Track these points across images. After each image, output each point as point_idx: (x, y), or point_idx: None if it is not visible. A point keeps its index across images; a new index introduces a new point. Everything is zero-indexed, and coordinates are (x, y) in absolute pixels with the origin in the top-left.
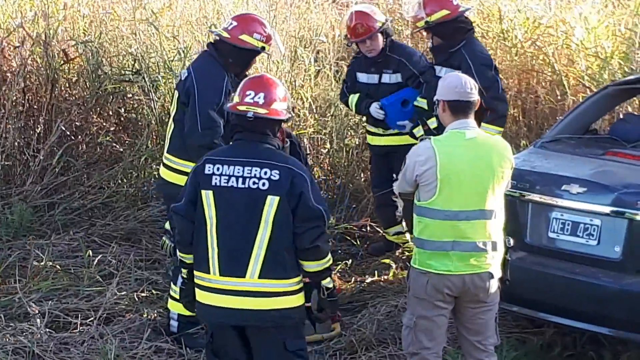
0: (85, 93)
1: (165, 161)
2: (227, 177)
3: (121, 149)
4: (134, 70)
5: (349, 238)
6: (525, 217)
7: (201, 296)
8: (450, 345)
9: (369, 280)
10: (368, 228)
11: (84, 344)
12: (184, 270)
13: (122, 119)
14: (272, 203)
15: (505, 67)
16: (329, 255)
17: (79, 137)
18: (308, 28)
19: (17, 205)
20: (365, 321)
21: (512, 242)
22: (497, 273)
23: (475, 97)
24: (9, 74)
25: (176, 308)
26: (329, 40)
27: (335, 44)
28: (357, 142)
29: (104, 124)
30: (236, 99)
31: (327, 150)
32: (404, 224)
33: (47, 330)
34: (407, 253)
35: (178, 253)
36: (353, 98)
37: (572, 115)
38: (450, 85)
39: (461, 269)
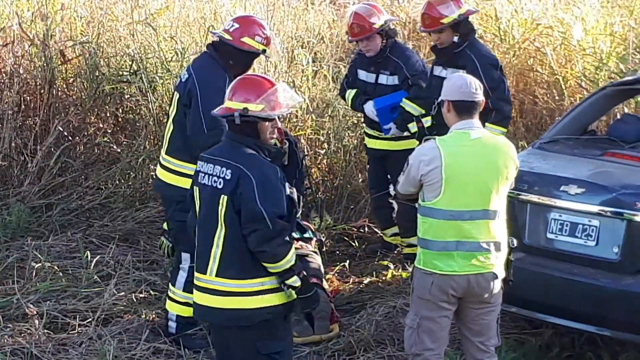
0: (82, 94)
1: (163, 162)
2: (203, 175)
3: (119, 150)
4: (131, 71)
5: (347, 239)
6: (523, 217)
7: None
8: (449, 345)
9: (367, 281)
10: (366, 229)
11: (82, 344)
12: None
13: (119, 119)
14: (223, 202)
15: (503, 68)
16: (287, 257)
17: (77, 137)
18: (305, 29)
19: (15, 206)
20: (364, 322)
21: (515, 242)
22: (501, 273)
23: (480, 97)
24: (4, 74)
25: (174, 309)
26: (326, 41)
27: (333, 44)
28: (355, 143)
29: (102, 124)
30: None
31: (324, 151)
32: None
33: (46, 331)
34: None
35: None
36: (350, 93)
37: (570, 116)
38: (455, 85)
39: (465, 269)
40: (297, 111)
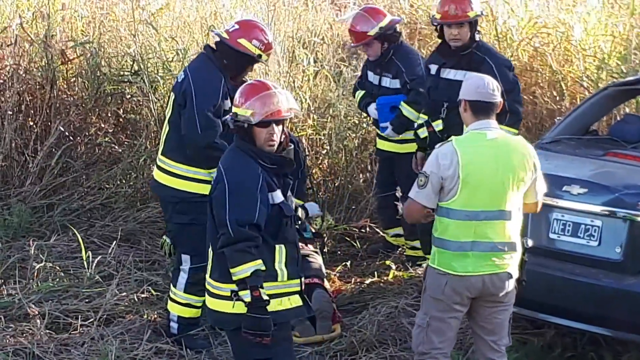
0: (83, 94)
1: (159, 163)
2: None
3: (120, 150)
4: (132, 71)
5: (348, 239)
6: (525, 218)
7: None
8: None
9: (368, 281)
10: (367, 229)
11: (84, 345)
12: None
13: (120, 119)
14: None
15: None
16: (241, 267)
17: (78, 138)
18: (306, 29)
19: (16, 206)
20: (366, 322)
21: (530, 243)
22: (515, 273)
23: (498, 98)
24: (5, 74)
25: (175, 310)
26: (327, 41)
27: (333, 44)
28: (356, 143)
29: (103, 124)
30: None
31: (326, 151)
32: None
33: (47, 331)
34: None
35: None
36: (359, 94)
37: (572, 116)
38: (473, 85)
39: (480, 270)
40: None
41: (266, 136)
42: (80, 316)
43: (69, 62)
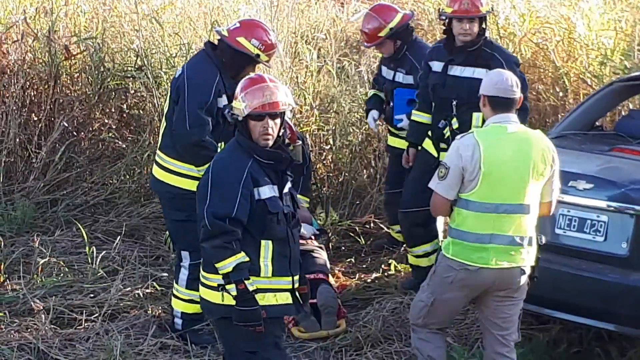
0: (87, 89)
1: (156, 158)
2: None
3: (124, 145)
4: (136, 67)
5: (352, 235)
6: None
7: None
8: (457, 341)
9: (373, 276)
10: (372, 224)
11: (89, 340)
12: None
13: (124, 115)
14: None
15: None
16: (222, 262)
17: (82, 133)
18: (309, 24)
19: (20, 202)
20: (371, 318)
21: (543, 239)
22: (528, 269)
23: (517, 94)
24: (8, 69)
25: (179, 306)
26: (330, 37)
27: (337, 40)
28: (360, 139)
29: (107, 120)
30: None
31: (329, 146)
32: None
33: (52, 326)
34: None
35: None
36: (369, 93)
37: (578, 111)
38: (492, 81)
39: (497, 263)
40: (301, 107)
41: (260, 129)
42: (84, 311)
43: (73, 58)
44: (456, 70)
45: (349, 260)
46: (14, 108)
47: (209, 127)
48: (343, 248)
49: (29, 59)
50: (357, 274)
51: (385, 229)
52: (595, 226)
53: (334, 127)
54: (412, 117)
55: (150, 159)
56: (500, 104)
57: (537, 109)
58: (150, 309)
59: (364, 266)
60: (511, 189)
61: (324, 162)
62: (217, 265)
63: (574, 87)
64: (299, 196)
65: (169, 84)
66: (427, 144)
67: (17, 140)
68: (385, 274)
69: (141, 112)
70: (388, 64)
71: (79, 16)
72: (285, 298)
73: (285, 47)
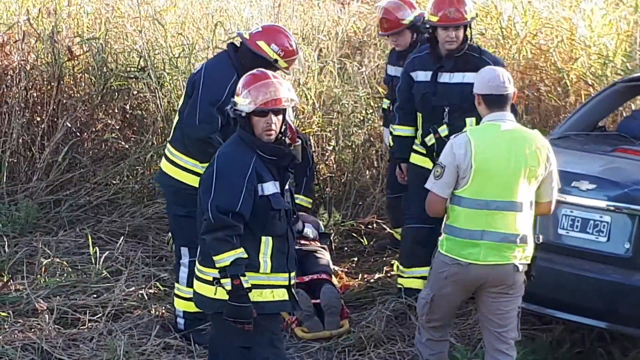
0: (90, 90)
1: (165, 151)
2: None
3: (127, 146)
4: (139, 67)
5: (355, 235)
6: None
7: None
8: (460, 341)
9: (376, 277)
10: (374, 225)
11: (93, 340)
12: None
13: (127, 115)
14: None
15: (507, 64)
16: (221, 255)
17: (85, 134)
18: (311, 25)
19: (23, 202)
20: (374, 318)
21: (541, 238)
22: (523, 266)
23: (510, 90)
24: (11, 70)
25: (181, 305)
26: (331, 37)
27: (338, 40)
28: (362, 139)
29: (110, 120)
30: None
31: (332, 147)
32: None
33: (56, 326)
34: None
35: None
36: (384, 103)
37: (580, 112)
38: (484, 79)
39: (488, 259)
40: (303, 108)
41: (264, 125)
42: (88, 311)
43: (76, 58)
44: (445, 77)
45: (352, 260)
46: (17, 109)
47: (218, 125)
48: (346, 249)
49: (32, 60)
50: (360, 275)
51: (388, 229)
52: (598, 226)
53: (336, 128)
54: (395, 133)
55: (154, 159)
56: (495, 102)
57: (539, 110)
58: (153, 309)
59: (367, 266)
60: (502, 186)
61: (327, 162)
62: (215, 258)
63: (576, 88)
64: (302, 197)
65: (172, 85)
66: (414, 158)
67: (21, 140)
68: (388, 274)
69: (144, 112)
70: (396, 61)
71: (82, 17)
72: (282, 294)
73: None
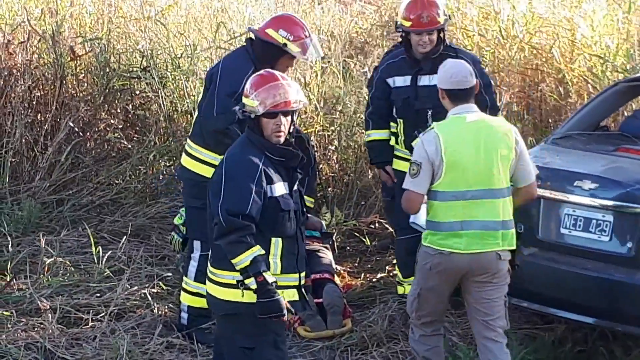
0: (93, 90)
1: (185, 147)
2: None
3: (129, 146)
4: (141, 67)
5: (357, 235)
6: (537, 213)
7: None
8: (462, 341)
9: (378, 276)
10: (377, 224)
11: (96, 339)
12: None
13: (130, 115)
14: None
15: (507, 65)
16: (239, 257)
17: (87, 133)
18: (314, 25)
19: (26, 202)
20: (376, 317)
21: (522, 228)
22: (506, 254)
23: (472, 82)
24: (14, 70)
25: (186, 300)
26: (334, 37)
27: (341, 40)
28: (365, 139)
29: (112, 120)
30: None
31: (335, 147)
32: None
33: (59, 325)
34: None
35: None
36: None
37: (583, 111)
38: (447, 74)
39: (471, 248)
40: (306, 107)
41: (273, 127)
42: (91, 311)
43: (78, 58)
44: (425, 80)
45: (354, 260)
46: (20, 108)
47: (235, 117)
48: (348, 248)
49: (34, 60)
50: (363, 274)
51: (390, 228)
52: (601, 226)
53: (339, 128)
54: (370, 138)
55: (156, 159)
56: (459, 96)
57: (540, 110)
58: (156, 308)
59: (369, 266)
60: (476, 175)
61: (329, 162)
62: (234, 261)
63: (578, 87)
64: (304, 197)
65: (176, 84)
66: (399, 165)
67: (24, 140)
68: (391, 274)
69: (146, 112)
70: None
71: (84, 17)
72: (292, 295)
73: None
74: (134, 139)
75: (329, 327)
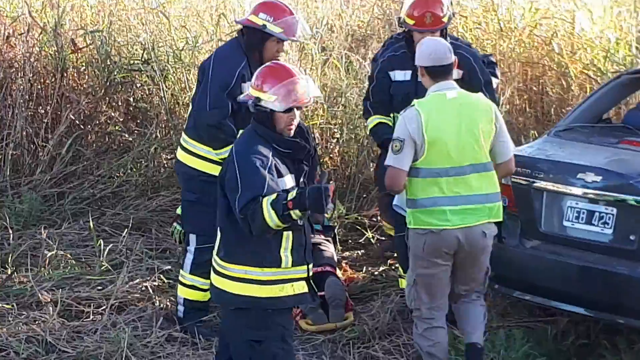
0: (94, 82)
1: (181, 140)
2: None
3: (130, 139)
4: (143, 60)
5: (359, 228)
6: (539, 205)
7: None
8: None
9: (380, 269)
10: (378, 217)
11: (97, 332)
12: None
13: (131, 108)
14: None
15: (508, 57)
16: (269, 221)
17: (88, 126)
18: (315, 18)
19: (27, 195)
20: (378, 310)
21: (507, 201)
22: (492, 230)
23: (451, 59)
24: (15, 63)
25: (183, 292)
26: (335, 30)
27: (342, 33)
28: (367, 132)
29: (113, 113)
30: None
31: (336, 140)
32: None
33: (60, 318)
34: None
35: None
36: None
37: (586, 104)
38: (427, 51)
39: (457, 223)
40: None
41: (287, 121)
42: (92, 304)
43: (79, 51)
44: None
45: (356, 253)
46: (21, 101)
47: (228, 110)
48: (350, 241)
49: (35, 52)
50: (365, 267)
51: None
52: (604, 218)
53: (341, 121)
54: (374, 122)
55: (157, 152)
56: (438, 73)
57: (542, 103)
58: (157, 301)
59: (371, 258)
60: (458, 151)
61: (331, 155)
62: (273, 226)
63: (580, 80)
64: None
65: (177, 77)
66: None
67: (24, 133)
68: (393, 266)
69: (148, 105)
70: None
71: (85, 9)
72: (302, 287)
73: (290, 42)
74: (135, 131)
75: (330, 320)
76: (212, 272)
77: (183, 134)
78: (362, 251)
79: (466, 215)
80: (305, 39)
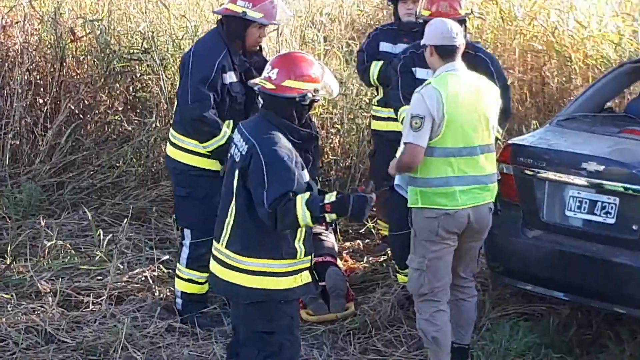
0: (93, 72)
1: (169, 135)
2: (232, 143)
3: (130, 128)
4: (142, 49)
5: None
6: (541, 195)
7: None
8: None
9: (381, 259)
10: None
11: (96, 322)
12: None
13: (130, 98)
14: (237, 176)
15: (508, 47)
16: (300, 218)
17: (88, 116)
18: (316, 8)
19: (26, 185)
20: (379, 300)
21: (499, 175)
22: (492, 207)
23: (461, 41)
24: (14, 52)
25: (180, 286)
26: (336, 20)
27: (343, 22)
28: (367, 122)
29: (113, 103)
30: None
31: (337, 130)
32: None
33: (59, 309)
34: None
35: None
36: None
37: (588, 93)
38: (437, 30)
39: (467, 202)
40: None
41: (307, 113)
42: (91, 294)
43: (79, 40)
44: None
45: (357, 243)
46: (20, 91)
47: (210, 103)
48: (351, 231)
49: (34, 42)
50: (365, 257)
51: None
52: (606, 208)
53: (341, 111)
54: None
55: (157, 142)
56: (447, 52)
57: (543, 93)
58: (157, 291)
59: (372, 249)
60: (472, 131)
61: (332, 145)
62: (303, 224)
63: (583, 70)
64: None
65: (176, 67)
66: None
67: (23, 122)
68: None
69: (147, 95)
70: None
71: None
72: (307, 277)
73: (292, 31)
74: (135, 121)
75: (331, 311)
76: (217, 265)
77: (171, 129)
78: (366, 240)
79: (475, 194)
80: (286, 22)
